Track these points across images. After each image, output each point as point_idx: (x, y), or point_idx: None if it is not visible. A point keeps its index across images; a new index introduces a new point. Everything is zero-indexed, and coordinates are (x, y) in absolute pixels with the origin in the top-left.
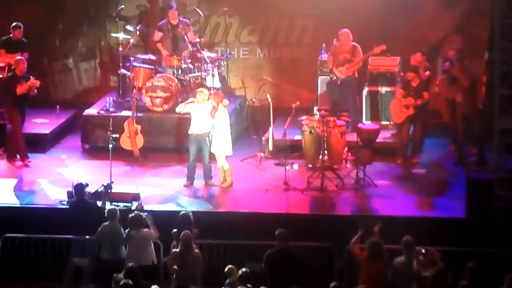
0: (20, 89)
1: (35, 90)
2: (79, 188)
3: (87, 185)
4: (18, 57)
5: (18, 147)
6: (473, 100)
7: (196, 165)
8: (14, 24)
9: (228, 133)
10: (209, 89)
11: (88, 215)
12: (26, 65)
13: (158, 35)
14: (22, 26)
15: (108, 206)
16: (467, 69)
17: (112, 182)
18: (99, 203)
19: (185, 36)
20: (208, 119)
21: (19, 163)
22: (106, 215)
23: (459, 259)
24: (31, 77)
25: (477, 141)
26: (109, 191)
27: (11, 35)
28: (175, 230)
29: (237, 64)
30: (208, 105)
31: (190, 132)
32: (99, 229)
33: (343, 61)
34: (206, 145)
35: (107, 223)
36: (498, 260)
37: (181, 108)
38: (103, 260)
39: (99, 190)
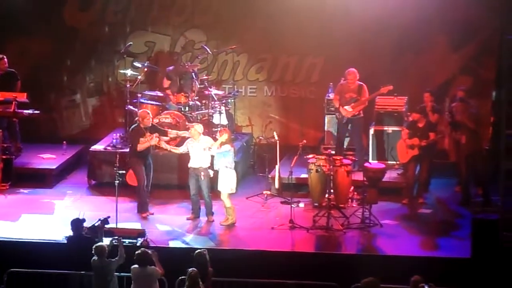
0: (140, 147)
1: (164, 145)
2: (76, 223)
3: (84, 220)
4: (143, 110)
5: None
6: (478, 140)
7: (198, 199)
8: None
9: (232, 171)
10: (216, 126)
11: (84, 250)
12: (151, 117)
13: (166, 83)
14: (4, 56)
15: (105, 240)
16: (471, 110)
17: (108, 217)
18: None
19: (193, 74)
20: (204, 154)
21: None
22: (93, 251)
23: None
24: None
25: (481, 181)
26: (105, 225)
27: None
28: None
29: (244, 101)
30: (201, 140)
31: (189, 165)
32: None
33: (349, 100)
34: (202, 180)
35: (96, 258)
36: None
37: (184, 148)
38: None
39: (96, 224)
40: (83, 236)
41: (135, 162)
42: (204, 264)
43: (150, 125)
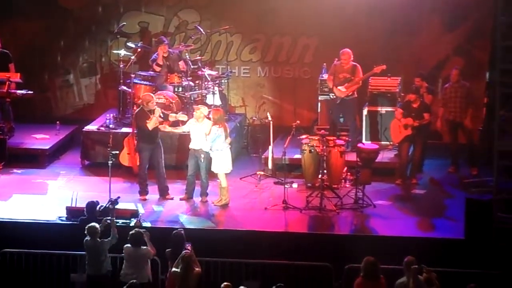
0: (150, 125)
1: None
2: (91, 206)
3: (98, 203)
4: (147, 93)
5: (144, 182)
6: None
7: (195, 180)
8: None
9: (225, 151)
10: (209, 106)
11: None
12: (153, 100)
13: (156, 69)
14: None
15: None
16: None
17: (118, 197)
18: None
19: (186, 54)
20: (204, 136)
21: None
22: (86, 231)
23: (458, 280)
24: (158, 108)
25: (476, 162)
26: (115, 207)
27: None
28: (168, 249)
29: (238, 82)
30: (204, 123)
31: (190, 146)
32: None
33: (343, 80)
34: (202, 162)
35: (88, 239)
36: (499, 281)
37: (186, 128)
38: (88, 275)
39: (107, 206)
40: (95, 218)
41: (141, 148)
42: (182, 243)
43: (154, 108)
